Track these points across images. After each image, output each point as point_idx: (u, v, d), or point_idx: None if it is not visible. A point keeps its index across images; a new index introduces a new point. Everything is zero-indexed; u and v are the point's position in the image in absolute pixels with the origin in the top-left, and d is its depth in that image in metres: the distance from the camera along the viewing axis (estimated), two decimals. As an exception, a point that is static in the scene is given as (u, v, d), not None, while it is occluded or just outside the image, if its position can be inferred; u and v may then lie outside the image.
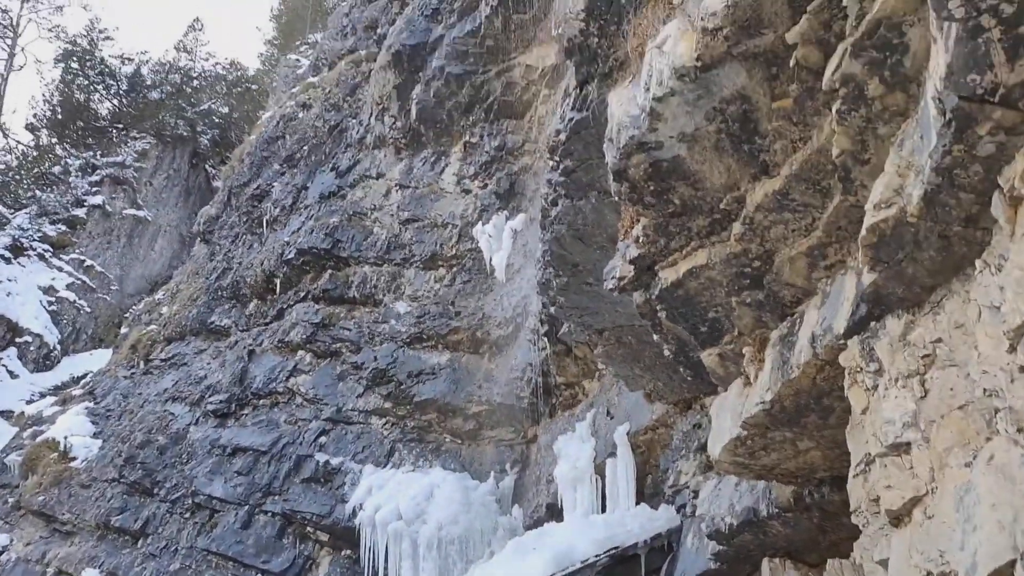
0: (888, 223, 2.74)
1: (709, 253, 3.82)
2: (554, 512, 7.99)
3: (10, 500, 14.30)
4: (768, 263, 3.67)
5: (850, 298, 3.14)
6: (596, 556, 6.01)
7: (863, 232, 2.85)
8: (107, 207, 24.09)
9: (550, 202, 5.92)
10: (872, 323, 3.05)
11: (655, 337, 4.67)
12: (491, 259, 10.17)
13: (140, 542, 12.50)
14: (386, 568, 9.95)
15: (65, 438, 13.75)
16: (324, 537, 11.29)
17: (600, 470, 7.26)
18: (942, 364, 2.71)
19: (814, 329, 3.41)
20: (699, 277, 3.88)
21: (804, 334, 3.50)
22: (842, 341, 3.19)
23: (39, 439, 14.19)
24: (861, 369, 3.08)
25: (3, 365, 19.76)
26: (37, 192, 24.12)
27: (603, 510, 7.13)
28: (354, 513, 10.58)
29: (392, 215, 12.06)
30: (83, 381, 16.84)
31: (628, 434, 6.86)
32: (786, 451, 3.88)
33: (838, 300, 3.29)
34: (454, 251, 11.25)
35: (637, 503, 6.73)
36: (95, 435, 14.02)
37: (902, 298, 2.94)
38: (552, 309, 7.04)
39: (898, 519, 2.79)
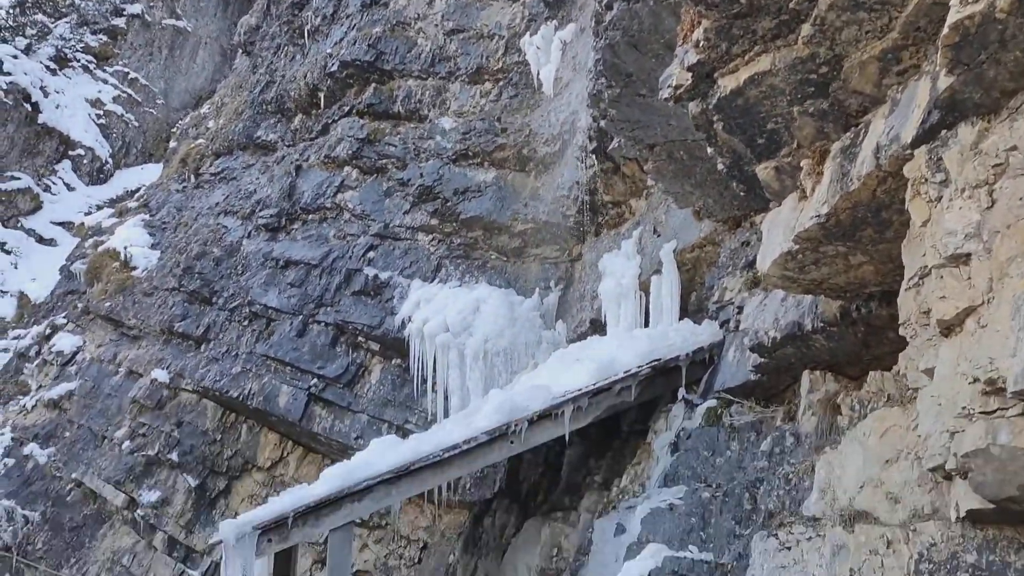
0: (974, 20, 2.55)
1: (773, 58, 3.63)
2: (598, 327, 8.19)
3: (79, 305, 15.13)
4: (836, 69, 3.48)
5: (922, 105, 2.98)
6: (638, 367, 6.20)
7: (945, 31, 2.66)
8: (146, 16, 23.62)
9: (604, 5, 5.62)
10: (943, 131, 2.92)
11: (709, 151, 4.56)
12: (538, 72, 9.83)
13: (203, 346, 13.23)
14: (434, 376, 10.43)
15: (125, 248, 14.28)
16: (375, 347, 11.80)
17: (644, 287, 7.35)
18: (1014, 173, 2.61)
19: (879, 139, 3.27)
20: (760, 85, 3.71)
21: (868, 145, 3.37)
22: (908, 151, 3.07)
23: (100, 249, 14.77)
24: (926, 180, 2.98)
25: (59, 178, 20.26)
26: (76, 0, 23.66)
27: (646, 326, 7.28)
28: (403, 325, 10.96)
29: (436, 25, 11.61)
30: (137, 194, 17.25)
31: (674, 251, 6.87)
32: (837, 265, 3.85)
33: (908, 108, 3.14)
34: (500, 64, 10.89)
35: (680, 319, 6.85)
36: (153, 246, 14.54)
37: (978, 104, 2.79)
38: (602, 123, 6.86)
39: (949, 329, 2.79)
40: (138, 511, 13.10)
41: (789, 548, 3.62)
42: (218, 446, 13.22)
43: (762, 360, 5.10)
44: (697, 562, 4.44)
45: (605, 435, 7.52)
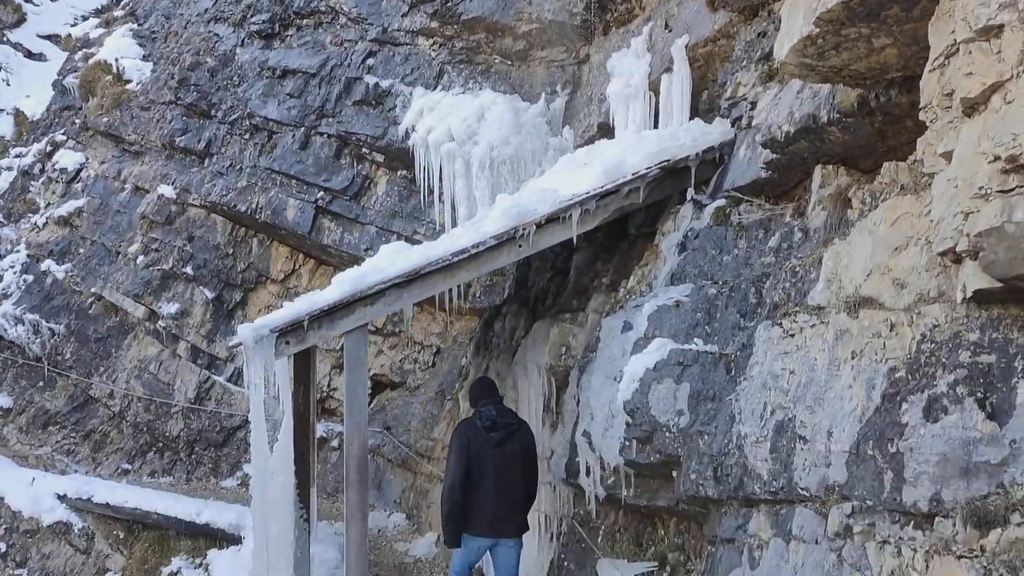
0: None
1: None
2: (606, 131, 8.00)
3: (77, 122, 14.85)
4: None
5: None
6: (647, 168, 6.11)
7: None
8: None
9: None
10: None
11: (728, -73, 4.21)
12: None
13: (206, 161, 13.10)
14: (440, 187, 10.35)
15: (116, 60, 13.79)
16: (379, 158, 11.66)
17: (655, 86, 7.10)
18: (1059, -67, 2.39)
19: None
20: None
21: (901, -89, 3.10)
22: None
23: (91, 62, 14.27)
24: (961, -53, 2.76)
25: (40, -13, 19.24)
26: None
27: (656, 127, 7.11)
28: (407, 135, 10.75)
29: None
30: (122, 2, 16.42)
31: (686, 47, 6.57)
32: (859, 50, 3.66)
33: None
34: None
35: (691, 119, 6.67)
36: (144, 58, 14.02)
37: None
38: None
39: (972, 108, 2.68)
40: (160, 322, 13.53)
41: (792, 335, 3.71)
42: (231, 260, 13.42)
43: (774, 156, 5.01)
44: (702, 353, 4.58)
45: (612, 239, 7.56)
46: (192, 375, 13.44)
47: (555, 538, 6.83)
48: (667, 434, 4.58)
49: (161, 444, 13.45)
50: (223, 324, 13.34)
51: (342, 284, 5.68)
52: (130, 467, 13.40)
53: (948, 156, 2.85)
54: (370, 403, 13.06)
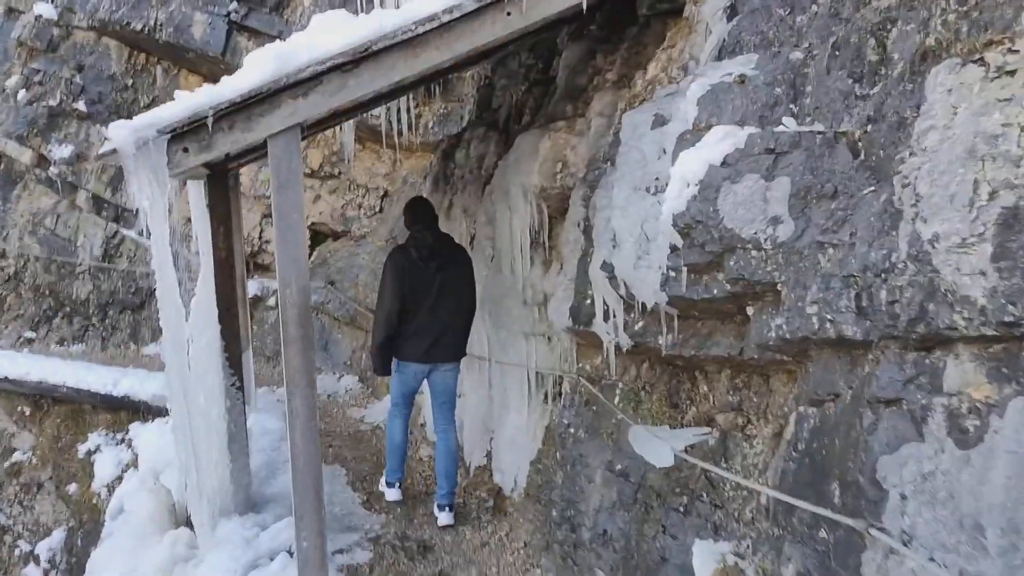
0: None
1: None
2: None
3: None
4: None
5: None
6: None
7: None
8: None
9: None
10: None
11: None
12: None
13: (88, -35, 10.72)
14: (381, -7, 8.43)
15: None
16: (304, -39, 9.55)
17: None
18: None
19: None
20: None
21: None
22: None
23: None
24: None
25: None
26: None
27: None
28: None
29: None
30: None
31: None
32: None
33: None
34: None
35: None
36: None
37: None
38: None
39: None
40: (52, 169, 11.47)
41: (1010, 73, 2.26)
42: (131, 92, 11.31)
43: None
44: (804, 135, 3.11)
45: (611, 29, 5.92)
46: (96, 229, 11.56)
47: (551, 400, 5.56)
48: (753, 253, 3.17)
49: (68, 309, 11.72)
50: (130, 170, 11.34)
51: (261, 65, 3.97)
52: (34, 335, 11.69)
53: None
54: (310, 256, 11.47)
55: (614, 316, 4.37)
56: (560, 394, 5.43)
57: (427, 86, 9.79)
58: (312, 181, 11.28)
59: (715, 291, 3.51)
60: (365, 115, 10.17)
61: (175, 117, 3.81)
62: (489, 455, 6.33)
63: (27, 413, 9.87)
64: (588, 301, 4.64)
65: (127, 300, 11.58)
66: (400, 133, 10.13)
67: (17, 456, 9.84)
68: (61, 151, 11.21)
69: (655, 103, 4.31)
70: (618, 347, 4.45)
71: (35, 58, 11.46)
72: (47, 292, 11.54)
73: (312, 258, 11.21)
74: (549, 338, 5.57)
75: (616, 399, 4.72)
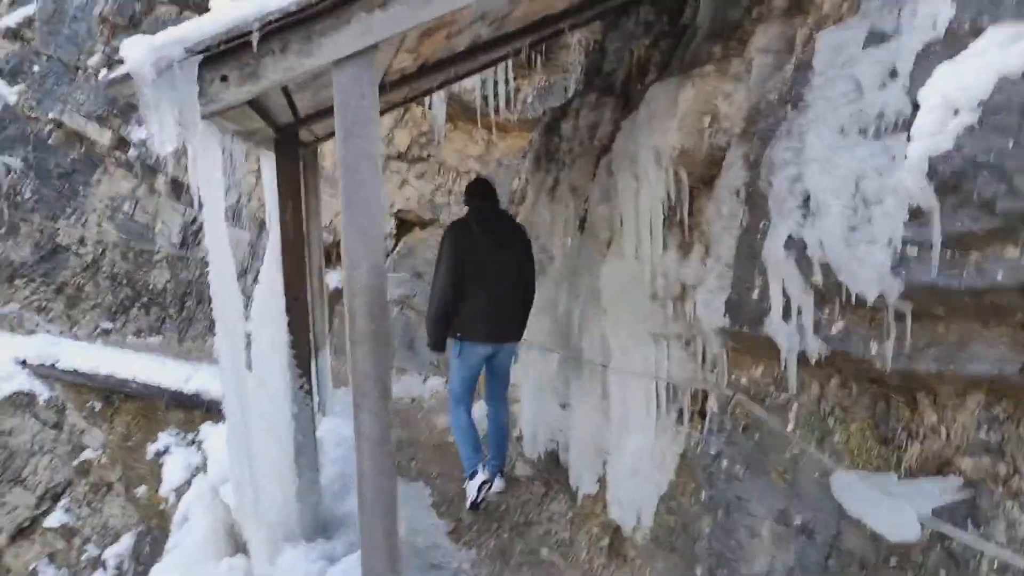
0: None
1: None
2: None
3: None
4: None
5: None
6: None
7: None
8: None
9: None
10: None
11: None
12: None
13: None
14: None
15: None
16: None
17: None
18: None
19: None
20: None
21: None
22: None
23: None
24: None
25: None
26: None
27: None
28: None
29: None
30: None
31: None
32: None
33: None
34: None
35: None
36: None
37: None
38: None
39: None
40: (131, 151, 10.90)
41: None
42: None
43: None
44: None
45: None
46: (175, 215, 10.94)
47: (687, 420, 4.37)
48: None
49: (146, 299, 11.13)
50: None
51: (327, -35, 2.94)
52: (111, 325, 11.16)
53: None
54: (395, 246, 10.55)
55: (799, 313, 3.16)
56: (703, 414, 4.23)
57: (528, 55, 8.71)
58: (399, 164, 10.36)
59: (998, 275, 2.27)
60: (458, 90, 9.15)
61: (209, 32, 2.81)
62: (602, 482, 5.18)
63: (96, 409, 9.27)
64: (756, 293, 3.43)
65: (205, 291, 10.92)
66: (496, 109, 9.08)
67: (87, 454, 9.26)
68: (140, 132, 10.63)
69: (863, 17, 3.07)
70: (802, 356, 3.23)
71: (117, 35, 10.93)
72: (124, 281, 11.00)
73: (398, 248, 10.28)
74: (688, 341, 4.38)
75: (791, 425, 3.50)
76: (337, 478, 6.18)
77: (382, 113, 7.73)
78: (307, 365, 5.34)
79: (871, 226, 2.67)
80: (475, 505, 5.54)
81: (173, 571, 5.45)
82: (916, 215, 2.50)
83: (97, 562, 8.84)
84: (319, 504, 5.35)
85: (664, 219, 4.52)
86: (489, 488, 5.60)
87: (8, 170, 11.54)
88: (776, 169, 3.22)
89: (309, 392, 5.26)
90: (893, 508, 2.51)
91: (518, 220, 6.51)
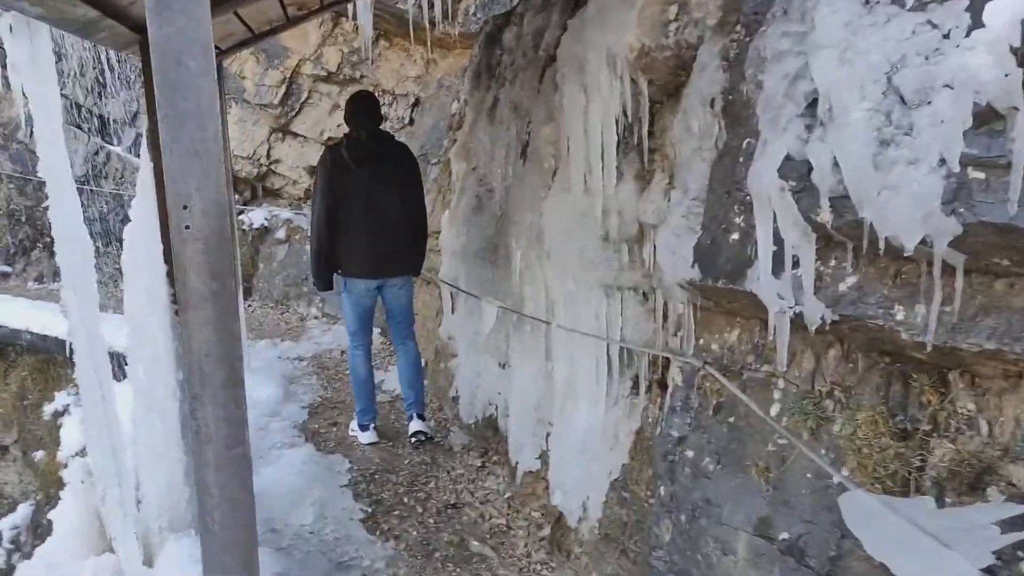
0: None
1: None
2: None
3: None
4: None
5: None
6: None
7: None
8: None
9: None
10: None
11: None
12: None
13: None
14: None
15: None
16: None
17: None
18: None
19: None
20: None
21: None
22: None
23: None
24: None
25: None
26: None
27: None
28: None
29: None
30: None
31: None
32: None
33: None
34: None
35: None
36: None
37: None
38: None
39: None
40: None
41: None
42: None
43: None
44: None
45: None
46: (78, 145, 9.74)
47: (648, 392, 3.55)
48: None
49: (50, 239, 9.96)
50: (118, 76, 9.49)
51: None
52: (10, 269, 10.03)
53: None
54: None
55: (795, 264, 2.31)
56: (663, 385, 3.42)
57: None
58: (328, 87, 9.25)
59: None
60: (391, -1, 8.05)
61: None
62: (544, 458, 4.39)
63: (-11, 365, 8.25)
64: (735, 236, 2.58)
65: (117, 229, 9.81)
66: (432, 22, 8.00)
67: (-22, 414, 8.25)
68: (33, 50, 9.36)
69: None
70: (796, 321, 2.40)
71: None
72: (23, 219, 9.83)
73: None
74: (645, 294, 3.54)
75: (775, 409, 2.70)
76: (242, 449, 5.32)
77: (299, 20, 6.66)
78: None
79: (913, 138, 1.81)
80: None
81: (35, 570, 4.58)
82: (986, 119, 1.64)
83: (-7, 533, 7.93)
84: (213, 484, 4.49)
85: (618, 142, 3.62)
86: (409, 430, 5.42)
87: None
88: (768, 65, 2.33)
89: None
90: (936, 558, 1.71)
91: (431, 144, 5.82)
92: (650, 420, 3.48)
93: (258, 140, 9.56)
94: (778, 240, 2.34)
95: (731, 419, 2.87)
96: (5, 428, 8.11)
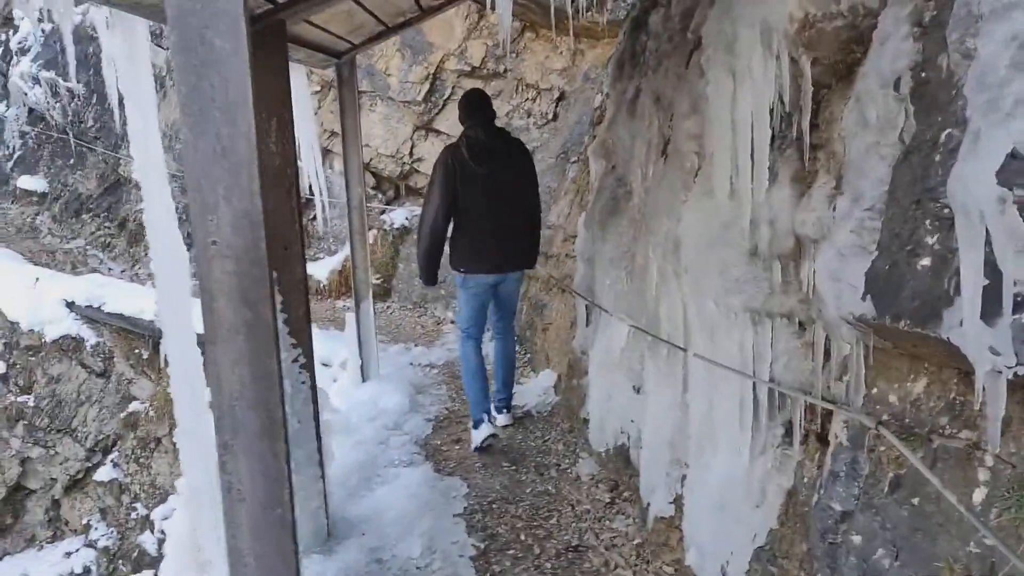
0: None
1: None
2: None
3: None
4: None
5: None
6: None
7: None
8: None
9: None
10: None
11: None
12: None
13: None
14: None
15: None
16: None
17: None
18: None
19: None
20: None
21: None
22: None
23: None
24: None
25: None
26: None
27: None
28: None
29: None
30: None
31: None
32: None
33: None
34: None
35: None
36: None
37: None
38: None
39: None
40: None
41: None
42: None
43: None
44: None
45: None
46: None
47: (803, 443, 2.88)
48: None
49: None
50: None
51: None
52: (172, 266, 10.42)
53: None
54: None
55: (1021, 306, 1.62)
56: (823, 439, 2.74)
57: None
58: (471, 82, 8.93)
59: None
60: (534, -13, 7.60)
61: None
62: (679, 503, 3.77)
63: (145, 357, 8.55)
64: (926, 261, 1.90)
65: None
66: (578, 12, 7.46)
67: (135, 406, 8.58)
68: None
69: None
70: (1017, 381, 1.70)
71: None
72: (185, 216, 10.21)
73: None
74: (802, 324, 2.86)
75: (979, 494, 1.98)
76: (356, 467, 5.05)
77: (435, 11, 6.34)
78: (303, 333, 4.14)
79: None
80: (480, 449, 5.27)
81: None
82: None
83: (146, 522, 8.22)
84: (321, 508, 4.24)
85: (773, 136, 2.96)
86: (496, 423, 5.50)
87: (72, 96, 10.89)
88: (985, 24, 1.64)
89: (306, 367, 4.08)
90: None
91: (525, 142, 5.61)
92: (805, 480, 2.80)
93: (402, 138, 9.40)
94: (993, 272, 1.65)
95: (915, 500, 2.17)
96: (159, 420, 8.37)
